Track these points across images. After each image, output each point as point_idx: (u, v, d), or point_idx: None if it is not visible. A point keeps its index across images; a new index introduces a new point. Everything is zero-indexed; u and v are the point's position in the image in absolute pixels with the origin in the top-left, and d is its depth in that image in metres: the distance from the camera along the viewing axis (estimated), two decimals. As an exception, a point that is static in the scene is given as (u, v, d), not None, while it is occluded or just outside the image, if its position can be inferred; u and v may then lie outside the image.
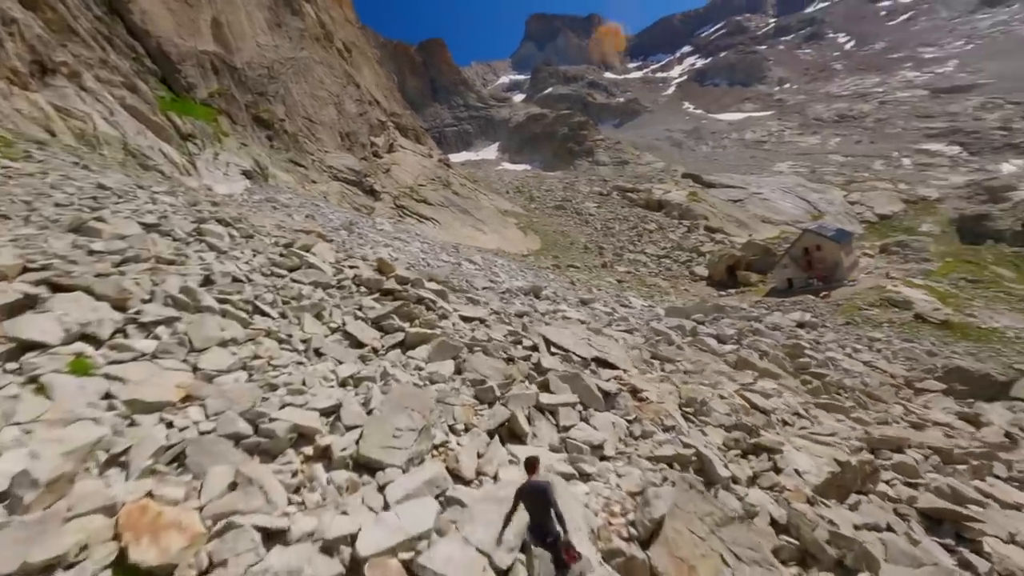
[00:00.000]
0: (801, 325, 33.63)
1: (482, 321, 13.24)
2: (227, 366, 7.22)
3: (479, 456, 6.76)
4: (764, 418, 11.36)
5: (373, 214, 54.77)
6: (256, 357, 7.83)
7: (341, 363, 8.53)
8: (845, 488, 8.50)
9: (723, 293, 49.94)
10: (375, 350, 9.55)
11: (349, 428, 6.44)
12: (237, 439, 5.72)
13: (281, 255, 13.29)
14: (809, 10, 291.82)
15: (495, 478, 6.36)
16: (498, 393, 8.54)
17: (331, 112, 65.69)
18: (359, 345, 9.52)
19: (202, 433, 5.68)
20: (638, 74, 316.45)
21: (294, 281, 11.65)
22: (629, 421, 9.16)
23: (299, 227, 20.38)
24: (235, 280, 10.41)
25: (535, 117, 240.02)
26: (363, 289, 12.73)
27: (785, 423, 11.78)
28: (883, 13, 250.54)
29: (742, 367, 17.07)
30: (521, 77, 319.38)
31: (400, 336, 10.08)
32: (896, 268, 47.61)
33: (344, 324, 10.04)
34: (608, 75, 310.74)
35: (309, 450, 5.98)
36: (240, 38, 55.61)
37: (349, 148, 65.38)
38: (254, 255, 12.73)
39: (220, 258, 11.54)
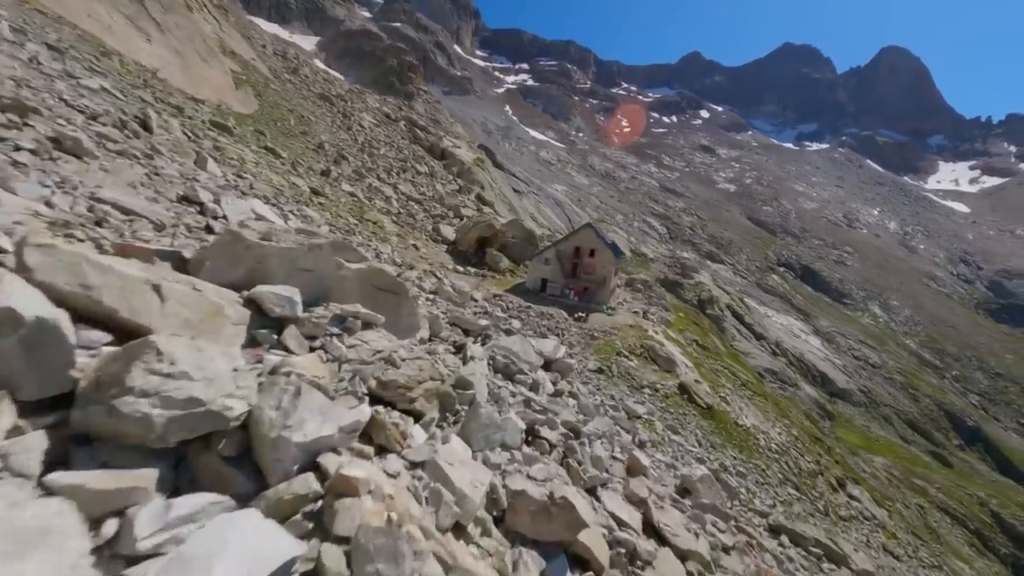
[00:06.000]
0: (548, 366, 14.93)
1: None
2: None
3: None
4: None
5: None
6: None
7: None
8: None
9: (461, 269, 30.67)
10: None
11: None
12: None
13: None
14: (613, 90, 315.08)
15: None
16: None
17: None
18: None
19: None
20: (480, 63, 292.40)
21: None
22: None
23: None
24: None
25: (370, 34, 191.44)
26: None
27: None
28: (652, 120, 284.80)
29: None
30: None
31: None
32: (642, 306, 36.35)
33: None
34: (456, 48, 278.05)
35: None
36: None
37: None
38: None
39: None
